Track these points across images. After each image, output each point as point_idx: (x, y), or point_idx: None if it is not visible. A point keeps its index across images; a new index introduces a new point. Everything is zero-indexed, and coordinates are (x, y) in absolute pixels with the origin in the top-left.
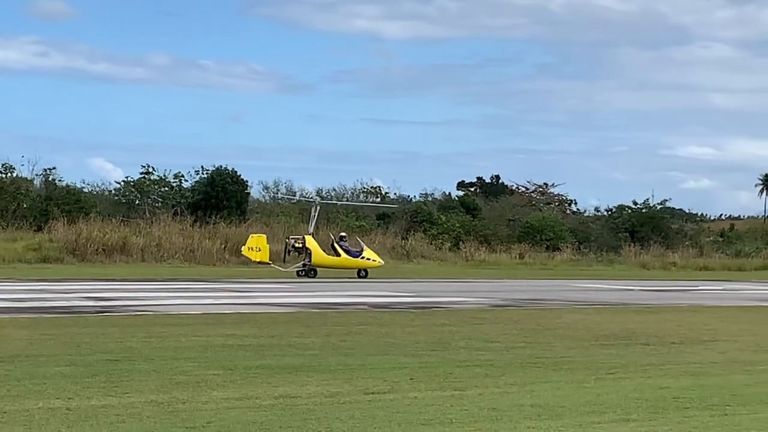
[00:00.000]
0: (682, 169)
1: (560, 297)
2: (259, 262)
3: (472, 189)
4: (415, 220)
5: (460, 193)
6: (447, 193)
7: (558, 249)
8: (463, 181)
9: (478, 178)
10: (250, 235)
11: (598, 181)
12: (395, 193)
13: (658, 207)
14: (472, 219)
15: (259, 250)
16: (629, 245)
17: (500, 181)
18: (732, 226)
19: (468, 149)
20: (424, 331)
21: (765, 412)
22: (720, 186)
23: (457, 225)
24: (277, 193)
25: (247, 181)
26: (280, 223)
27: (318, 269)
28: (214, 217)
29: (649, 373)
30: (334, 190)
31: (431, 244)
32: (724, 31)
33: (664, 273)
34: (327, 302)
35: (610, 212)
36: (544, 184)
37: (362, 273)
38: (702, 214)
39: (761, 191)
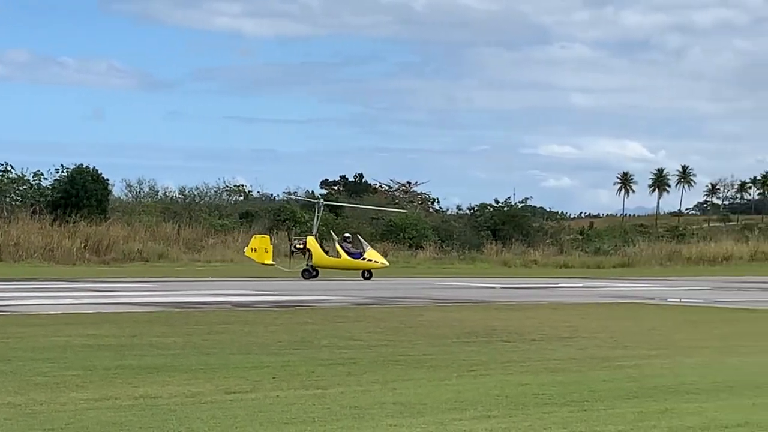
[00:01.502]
0: (543, 168)
1: (423, 295)
2: (263, 263)
3: (336, 187)
4: (278, 218)
5: (324, 191)
6: (310, 192)
7: (421, 247)
8: (327, 180)
9: (342, 177)
10: (253, 236)
11: (460, 180)
12: (258, 192)
13: (520, 205)
14: (335, 217)
15: (264, 250)
16: (491, 243)
17: (364, 180)
18: (591, 224)
19: (331, 147)
20: (286, 330)
21: (622, 407)
22: (580, 184)
23: (321, 224)
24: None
25: (108, 180)
26: (142, 221)
27: (320, 270)
28: (74, 216)
29: (509, 369)
30: (197, 188)
31: None
32: (583, 32)
33: (525, 271)
34: (190, 301)
35: (472, 210)
36: (408, 182)
37: (366, 274)
38: (562, 213)
39: (619, 189)
